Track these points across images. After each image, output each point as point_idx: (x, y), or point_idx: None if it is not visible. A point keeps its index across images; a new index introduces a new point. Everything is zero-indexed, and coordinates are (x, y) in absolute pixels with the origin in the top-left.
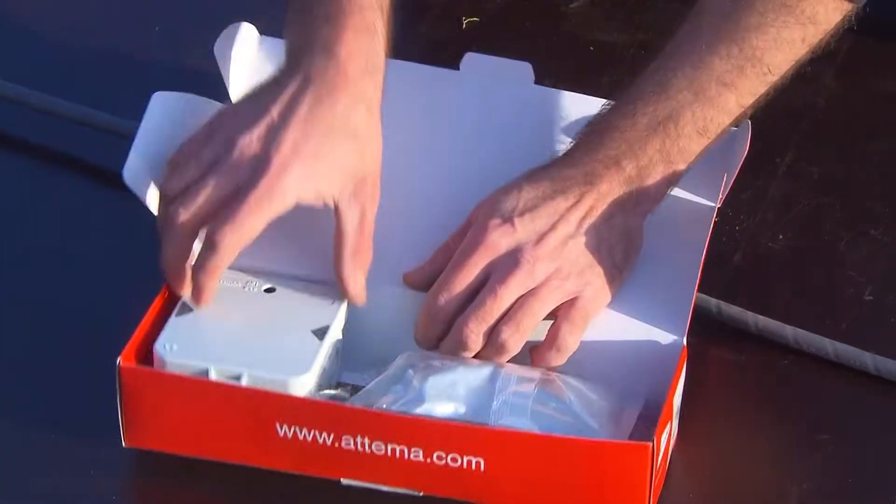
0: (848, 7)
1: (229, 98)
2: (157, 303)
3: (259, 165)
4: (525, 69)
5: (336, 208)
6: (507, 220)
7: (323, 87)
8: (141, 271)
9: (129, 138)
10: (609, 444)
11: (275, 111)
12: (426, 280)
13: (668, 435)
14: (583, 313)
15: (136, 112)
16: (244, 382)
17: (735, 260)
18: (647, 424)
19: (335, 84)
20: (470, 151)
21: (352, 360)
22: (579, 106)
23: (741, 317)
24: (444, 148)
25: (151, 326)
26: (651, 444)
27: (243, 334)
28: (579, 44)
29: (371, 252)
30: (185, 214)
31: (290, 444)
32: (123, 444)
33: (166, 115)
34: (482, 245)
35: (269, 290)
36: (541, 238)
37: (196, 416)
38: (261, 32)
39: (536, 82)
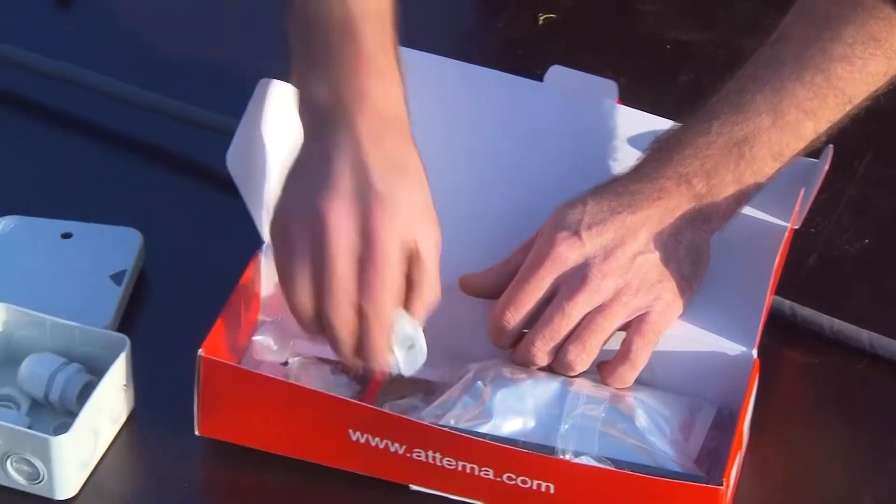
0: None
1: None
2: (235, 295)
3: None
4: (610, 87)
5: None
6: (575, 233)
7: (373, 135)
8: (230, 263)
9: (224, 132)
10: (679, 485)
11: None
12: (482, 288)
13: (738, 464)
14: (654, 328)
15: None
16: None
17: (810, 262)
18: (719, 433)
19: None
20: (545, 163)
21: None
22: (660, 126)
23: (816, 319)
24: (519, 157)
25: (232, 318)
26: (721, 489)
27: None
28: (655, 42)
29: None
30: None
31: (362, 449)
32: (196, 432)
33: (271, 101)
34: (549, 259)
35: (65, 236)
36: (609, 253)
37: (270, 412)
38: None
39: (611, 80)
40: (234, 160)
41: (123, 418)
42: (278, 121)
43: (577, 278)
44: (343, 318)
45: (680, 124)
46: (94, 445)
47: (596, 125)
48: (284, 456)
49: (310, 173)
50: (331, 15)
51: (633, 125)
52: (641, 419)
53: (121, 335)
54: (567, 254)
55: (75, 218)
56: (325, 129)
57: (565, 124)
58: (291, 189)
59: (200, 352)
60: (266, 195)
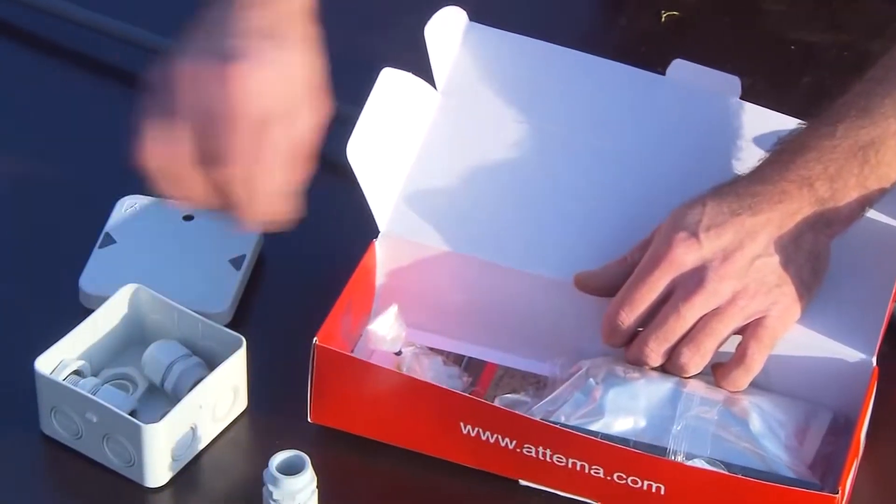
0: None
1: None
2: (351, 284)
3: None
4: (733, 83)
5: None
6: (693, 234)
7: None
8: (346, 252)
9: (342, 122)
10: (794, 492)
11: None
12: (596, 286)
13: (854, 472)
14: (771, 332)
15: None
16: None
17: None
18: (834, 440)
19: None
20: (665, 159)
21: (532, 348)
22: (784, 125)
23: None
24: (639, 151)
25: (348, 307)
26: (837, 497)
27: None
28: (780, 42)
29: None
30: None
31: (473, 442)
32: (309, 419)
33: (393, 92)
34: (666, 260)
35: (187, 218)
36: (727, 256)
37: (382, 401)
38: (471, 18)
39: (734, 76)
40: (354, 150)
41: (231, 417)
42: (400, 111)
43: (693, 280)
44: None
45: (804, 125)
46: (192, 440)
47: (718, 122)
48: (395, 446)
49: (189, 39)
50: None
51: (757, 123)
52: (756, 423)
53: (238, 335)
54: (685, 255)
55: None
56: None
57: (687, 120)
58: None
59: (315, 340)
60: (387, 186)
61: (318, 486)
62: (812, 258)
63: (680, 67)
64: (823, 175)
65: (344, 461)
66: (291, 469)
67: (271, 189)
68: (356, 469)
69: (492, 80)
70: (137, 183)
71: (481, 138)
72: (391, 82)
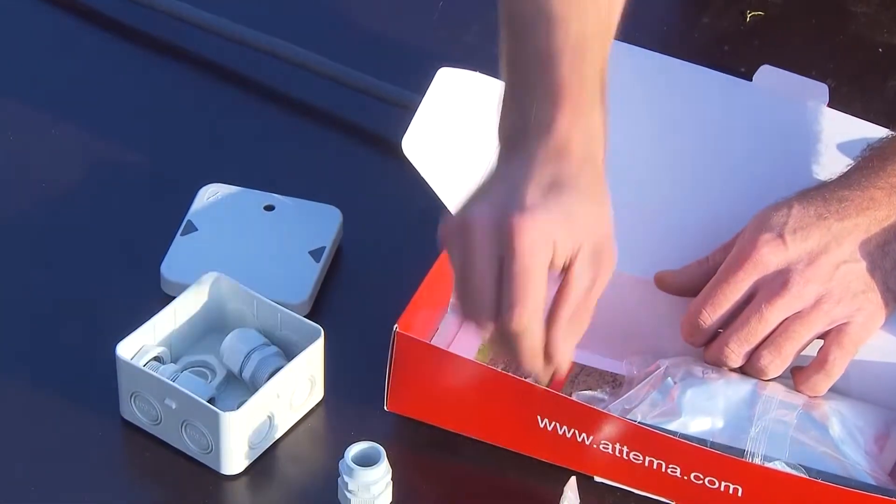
0: None
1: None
2: (430, 275)
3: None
4: (821, 90)
5: (569, 267)
6: (779, 235)
7: (548, 163)
8: (425, 244)
9: (407, 109)
10: (874, 498)
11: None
12: (677, 285)
13: None
14: (853, 339)
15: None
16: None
17: None
18: None
19: (560, 160)
20: (750, 164)
21: (609, 346)
22: (872, 134)
23: None
24: (724, 156)
25: (427, 297)
26: None
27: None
28: (866, 45)
29: (587, 324)
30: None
31: (550, 436)
32: (385, 407)
33: (450, 90)
34: (750, 261)
35: (267, 208)
36: (812, 259)
37: (460, 392)
38: None
39: (818, 80)
40: (411, 146)
41: (308, 407)
42: (456, 109)
43: (777, 282)
44: (481, 323)
45: (895, 133)
46: (269, 428)
47: (805, 128)
48: (470, 442)
49: (479, 190)
50: (531, 48)
51: (844, 130)
52: (836, 428)
53: (316, 326)
54: (769, 257)
55: (273, 191)
56: (509, 154)
57: (773, 125)
58: (464, 202)
59: (396, 327)
60: (458, 179)
61: (392, 479)
62: None
63: (767, 73)
64: None
65: (419, 454)
66: (367, 460)
67: (556, 341)
68: (431, 462)
69: None
70: (220, 171)
71: None
72: (446, 81)
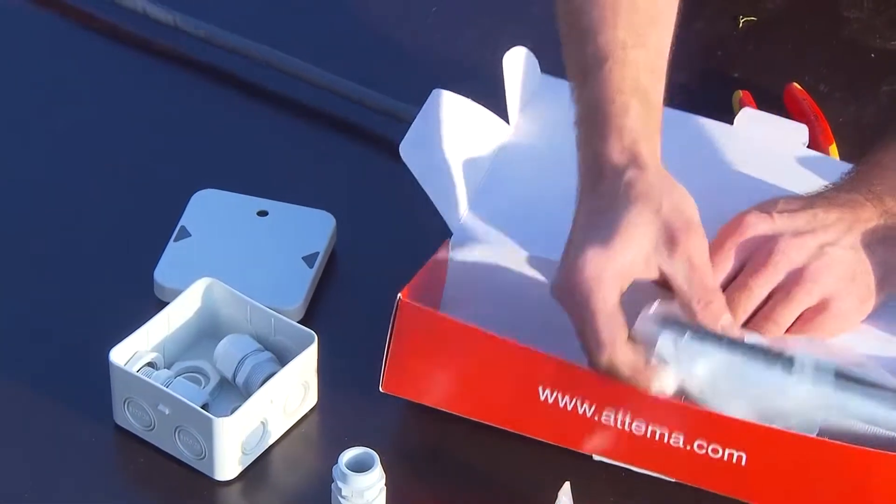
0: None
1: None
2: (440, 252)
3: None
4: (801, 131)
5: (661, 270)
6: (766, 212)
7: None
8: (419, 251)
9: (402, 121)
10: (881, 455)
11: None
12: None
13: None
14: (832, 319)
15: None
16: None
17: None
18: None
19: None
20: (731, 208)
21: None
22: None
23: None
24: (706, 200)
25: (430, 272)
26: None
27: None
28: (860, 50)
29: (719, 291)
30: None
31: (550, 410)
32: (381, 388)
33: (444, 107)
34: (738, 231)
35: (261, 214)
36: (799, 234)
37: (460, 364)
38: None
39: (811, 87)
40: (408, 151)
41: (301, 413)
42: (452, 121)
43: (763, 252)
44: (603, 368)
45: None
46: (262, 434)
47: (787, 171)
48: (464, 449)
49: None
50: (597, 94)
51: (827, 172)
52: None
53: (310, 332)
54: (756, 223)
55: (267, 197)
56: (595, 186)
57: (755, 170)
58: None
59: (399, 296)
60: (455, 186)
61: (386, 484)
62: (881, 269)
63: (748, 117)
64: (893, 190)
65: (413, 460)
66: (361, 466)
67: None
68: (424, 468)
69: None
70: (213, 177)
71: (554, 149)
72: (439, 104)
